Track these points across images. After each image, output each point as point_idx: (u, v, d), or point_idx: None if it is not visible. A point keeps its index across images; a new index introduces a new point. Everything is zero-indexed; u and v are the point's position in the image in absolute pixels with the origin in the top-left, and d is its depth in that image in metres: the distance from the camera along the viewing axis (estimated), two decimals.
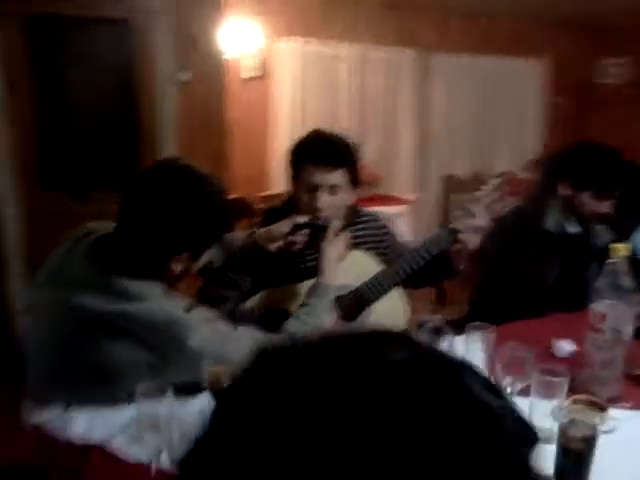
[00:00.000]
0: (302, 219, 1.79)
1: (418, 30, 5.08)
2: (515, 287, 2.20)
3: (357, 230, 1.96)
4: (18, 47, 3.10)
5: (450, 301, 2.66)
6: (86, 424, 1.28)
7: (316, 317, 1.61)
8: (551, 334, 1.80)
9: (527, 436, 0.45)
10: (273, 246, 1.79)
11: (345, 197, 1.83)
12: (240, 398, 0.43)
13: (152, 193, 1.34)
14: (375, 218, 2.06)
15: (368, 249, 1.95)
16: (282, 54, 4.85)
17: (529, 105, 5.68)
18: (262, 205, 3.04)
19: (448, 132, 5.45)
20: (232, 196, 3.08)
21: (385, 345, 0.45)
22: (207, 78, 3.63)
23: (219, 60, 3.70)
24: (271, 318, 1.72)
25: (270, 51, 4.76)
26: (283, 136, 4.94)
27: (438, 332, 1.52)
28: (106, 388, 1.33)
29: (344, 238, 1.81)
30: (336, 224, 1.79)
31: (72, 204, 3.32)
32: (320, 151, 1.78)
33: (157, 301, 1.34)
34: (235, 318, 1.75)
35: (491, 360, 1.46)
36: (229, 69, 4.48)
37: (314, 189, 1.79)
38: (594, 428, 1.15)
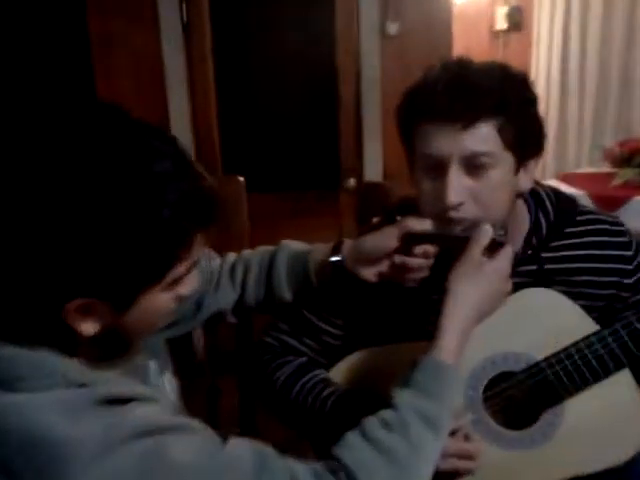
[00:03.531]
0: (420, 224, 0.94)
1: None
2: None
3: (553, 250, 1.02)
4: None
5: None
6: None
7: (406, 435, 0.77)
8: None
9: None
10: (369, 272, 0.98)
11: (505, 177, 0.92)
12: None
13: (20, 174, 0.68)
14: (609, 229, 1.07)
15: (574, 289, 1.00)
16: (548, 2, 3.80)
17: None
18: None
19: None
20: (370, 181, 2.28)
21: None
22: (424, 31, 2.90)
23: (444, 9, 2.92)
24: (358, 406, 0.94)
25: None
26: (546, 104, 3.92)
27: None
28: None
29: (503, 263, 0.90)
30: (485, 233, 0.89)
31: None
32: (442, 94, 0.90)
33: (38, 392, 0.67)
34: (303, 388, 1.02)
35: None
36: (474, 20, 3.68)
37: (438, 167, 0.92)
38: None
